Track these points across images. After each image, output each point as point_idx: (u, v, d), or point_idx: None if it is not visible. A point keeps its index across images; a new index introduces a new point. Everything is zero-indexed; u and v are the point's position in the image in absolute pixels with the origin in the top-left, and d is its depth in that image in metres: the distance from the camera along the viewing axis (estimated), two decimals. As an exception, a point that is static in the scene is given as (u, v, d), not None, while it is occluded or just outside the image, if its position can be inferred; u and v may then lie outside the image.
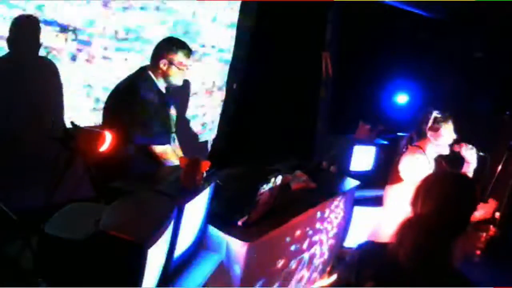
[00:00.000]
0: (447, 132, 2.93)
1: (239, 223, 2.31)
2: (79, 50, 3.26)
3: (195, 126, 4.47)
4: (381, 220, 3.05)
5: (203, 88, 4.44)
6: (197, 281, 2.06)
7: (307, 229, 2.86)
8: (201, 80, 4.34)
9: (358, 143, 4.08)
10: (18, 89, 3.01)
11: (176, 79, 2.73)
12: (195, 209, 2.05)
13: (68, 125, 2.47)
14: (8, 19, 2.86)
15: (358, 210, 3.59)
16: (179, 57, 2.68)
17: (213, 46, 4.28)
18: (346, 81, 5.04)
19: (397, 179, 2.97)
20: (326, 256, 3.24)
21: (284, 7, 4.32)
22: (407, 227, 1.47)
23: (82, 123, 2.46)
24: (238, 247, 2.24)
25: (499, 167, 3.23)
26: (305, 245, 2.87)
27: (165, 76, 2.70)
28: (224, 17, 4.32)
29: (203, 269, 2.15)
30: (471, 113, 4.95)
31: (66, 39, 3.15)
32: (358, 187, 3.48)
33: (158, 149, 2.62)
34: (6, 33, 2.87)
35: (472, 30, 5.22)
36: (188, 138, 4.31)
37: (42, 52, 3.08)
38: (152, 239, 1.50)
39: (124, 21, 3.47)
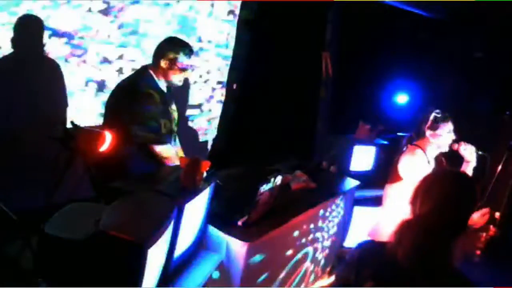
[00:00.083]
0: (446, 132, 2.93)
1: (239, 223, 2.31)
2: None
3: (200, 123, 4.48)
4: (380, 220, 3.05)
5: (207, 84, 4.45)
6: (197, 281, 2.06)
7: (307, 229, 2.86)
8: (202, 76, 4.35)
9: (358, 143, 4.07)
10: (19, 89, 3.01)
11: (177, 79, 2.73)
12: (195, 209, 2.05)
13: (68, 125, 2.48)
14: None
15: (358, 210, 3.58)
16: (180, 56, 2.68)
17: (209, 41, 4.28)
18: (346, 81, 5.04)
19: (396, 178, 2.97)
20: (326, 256, 3.24)
21: (284, 7, 4.32)
22: (406, 227, 1.47)
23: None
24: (238, 247, 2.24)
25: (499, 167, 3.23)
26: (305, 245, 2.87)
27: (166, 75, 2.70)
28: (221, 12, 4.32)
29: (203, 269, 2.15)
30: (471, 113, 4.95)
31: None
32: (358, 187, 3.48)
33: (158, 148, 2.62)
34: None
35: (472, 30, 5.22)
36: (188, 138, 4.31)
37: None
38: (152, 239, 1.49)
39: (120, 15, 3.47)
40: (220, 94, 4.64)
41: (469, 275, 1.47)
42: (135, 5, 3.53)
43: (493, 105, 5.32)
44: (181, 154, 2.88)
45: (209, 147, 4.68)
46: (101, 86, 3.48)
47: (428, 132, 2.94)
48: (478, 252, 3.22)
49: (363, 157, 4.08)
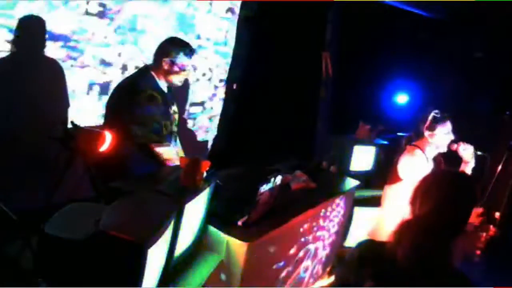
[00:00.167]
0: (444, 132, 2.93)
1: (239, 223, 2.31)
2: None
3: (202, 121, 4.48)
4: (380, 220, 3.05)
5: (210, 82, 4.45)
6: (197, 281, 2.06)
7: (307, 229, 2.86)
8: (206, 74, 4.36)
9: (358, 143, 4.07)
10: (19, 89, 3.01)
11: (178, 79, 2.74)
12: (195, 209, 2.05)
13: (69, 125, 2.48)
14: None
15: (358, 210, 3.58)
16: (181, 56, 2.68)
17: (208, 39, 4.28)
18: (346, 81, 5.04)
19: (396, 179, 2.97)
20: (326, 256, 3.24)
21: (284, 7, 4.32)
22: (406, 227, 1.48)
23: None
24: (238, 247, 2.24)
25: (499, 167, 3.23)
26: (305, 245, 2.87)
27: (167, 75, 2.70)
28: (219, 9, 4.32)
29: (203, 269, 2.15)
30: (471, 113, 4.95)
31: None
32: (358, 187, 3.48)
33: (159, 149, 2.62)
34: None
35: (472, 30, 5.23)
36: (188, 138, 4.32)
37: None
38: (152, 239, 1.49)
39: (117, 18, 3.47)
40: (223, 92, 4.64)
41: (469, 275, 1.47)
42: (133, 1, 3.52)
43: (493, 105, 5.32)
44: (181, 154, 2.87)
45: (209, 147, 4.68)
46: (103, 88, 3.49)
47: (426, 132, 2.94)
48: (478, 252, 3.23)
49: (363, 157, 4.08)
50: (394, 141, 3.88)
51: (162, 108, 2.66)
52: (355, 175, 3.68)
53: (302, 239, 2.83)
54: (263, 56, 4.43)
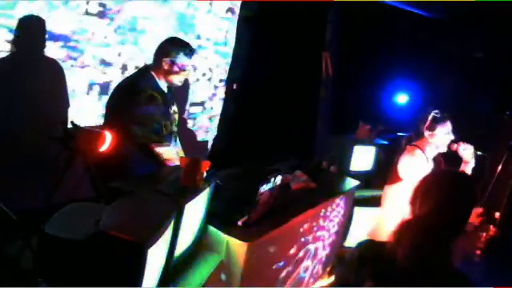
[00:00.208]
0: (444, 132, 2.93)
1: (239, 223, 2.31)
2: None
3: (202, 121, 4.48)
4: (380, 220, 3.05)
5: (210, 82, 4.45)
6: (197, 281, 2.06)
7: (307, 229, 2.86)
8: (206, 74, 4.36)
9: (358, 143, 4.07)
10: (19, 89, 3.01)
11: (178, 79, 2.74)
12: (195, 209, 2.05)
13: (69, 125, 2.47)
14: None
15: (358, 210, 3.58)
16: (181, 56, 2.68)
17: (208, 39, 4.28)
18: (346, 81, 5.04)
19: (396, 179, 2.97)
20: (326, 256, 3.24)
21: (284, 7, 4.32)
22: (406, 227, 1.48)
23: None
24: (238, 247, 2.24)
25: (499, 167, 3.23)
26: (305, 245, 2.87)
27: (167, 75, 2.70)
28: (219, 9, 4.32)
29: (203, 269, 2.15)
30: (471, 113, 4.95)
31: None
32: (358, 187, 3.48)
33: (159, 149, 2.62)
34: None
35: (472, 30, 5.23)
36: (188, 138, 4.32)
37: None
38: (152, 239, 1.49)
39: (117, 18, 3.47)
40: (223, 92, 4.65)
41: (469, 275, 1.47)
42: (133, 1, 3.51)
43: (493, 105, 5.32)
44: (181, 154, 2.87)
45: (209, 147, 4.68)
46: (103, 88, 3.48)
47: (426, 132, 2.94)
48: (478, 252, 3.23)
49: (363, 157, 4.08)
50: (394, 141, 3.88)
51: (162, 108, 2.66)
52: (355, 175, 3.68)
53: (302, 239, 2.83)
54: (263, 56, 4.43)
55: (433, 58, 5.40)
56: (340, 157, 3.91)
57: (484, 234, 3.30)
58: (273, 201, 2.48)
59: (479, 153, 2.98)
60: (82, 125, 2.46)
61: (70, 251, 1.49)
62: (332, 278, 1.55)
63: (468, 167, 2.97)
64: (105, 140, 2.36)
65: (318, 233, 3.04)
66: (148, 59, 2.93)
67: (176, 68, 2.68)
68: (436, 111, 2.96)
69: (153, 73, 2.70)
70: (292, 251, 2.73)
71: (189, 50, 2.72)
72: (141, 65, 2.94)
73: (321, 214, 3.02)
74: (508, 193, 3.56)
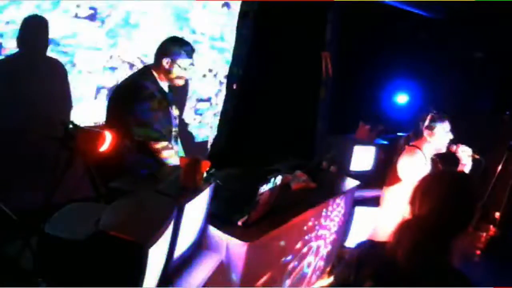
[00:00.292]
0: (443, 132, 2.93)
1: (239, 223, 2.31)
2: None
3: (208, 117, 4.49)
4: (380, 220, 3.05)
5: (214, 78, 4.45)
6: (197, 281, 2.06)
7: (307, 229, 2.86)
8: (209, 69, 4.36)
9: (358, 143, 4.08)
10: (19, 89, 3.01)
11: (178, 79, 2.73)
12: (195, 209, 2.05)
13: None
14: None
15: (358, 210, 3.59)
16: (181, 56, 2.68)
17: (203, 33, 4.23)
18: (346, 81, 5.04)
19: (394, 180, 2.97)
20: (326, 256, 3.24)
21: (284, 7, 4.32)
22: (405, 227, 1.47)
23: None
24: (238, 247, 2.24)
25: (499, 167, 3.23)
26: (304, 245, 2.87)
27: (168, 75, 2.70)
28: (215, 4, 4.28)
29: (203, 269, 2.15)
30: (471, 113, 4.95)
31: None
32: (358, 187, 3.48)
33: (159, 148, 2.62)
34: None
35: (472, 30, 5.23)
36: (188, 138, 4.32)
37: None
38: (152, 239, 1.50)
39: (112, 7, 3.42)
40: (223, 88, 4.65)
41: (469, 275, 1.47)
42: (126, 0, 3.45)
43: (493, 105, 5.32)
44: (181, 154, 2.87)
45: (209, 147, 4.68)
46: (102, 89, 3.48)
47: (425, 132, 2.94)
48: (478, 252, 3.23)
49: (363, 157, 4.09)
50: (394, 141, 3.88)
51: (162, 108, 2.66)
52: (355, 175, 3.68)
53: (306, 237, 2.83)
54: (263, 57, 4.43)
55: (433, 58, 5.40)
56: (340, 157, 3.91)
57: (484, 234, 3.30)
58: (273, 201, 2.48)
59: (476, 156, 2.98)
60: (82, 125, 2.46)
61: (70, 251, 1.49)
62: (332, 278, 1.55)
63: (464, 169, 2.97)
64: (105, 140, 2.36)
65: (320, 232, 3.04)
66: (143, 54, 2.89)
67: (176, 67, 2.68)
68: (435, 111, 2.96)
69: (153, 72, 2.69)
70: (292, 250, 2.73)
71: (189, 49, 2.72)
72: (136, 61, 2.91)
73: (321, 214, 3.02)
74: (508, 193, 3.55)
